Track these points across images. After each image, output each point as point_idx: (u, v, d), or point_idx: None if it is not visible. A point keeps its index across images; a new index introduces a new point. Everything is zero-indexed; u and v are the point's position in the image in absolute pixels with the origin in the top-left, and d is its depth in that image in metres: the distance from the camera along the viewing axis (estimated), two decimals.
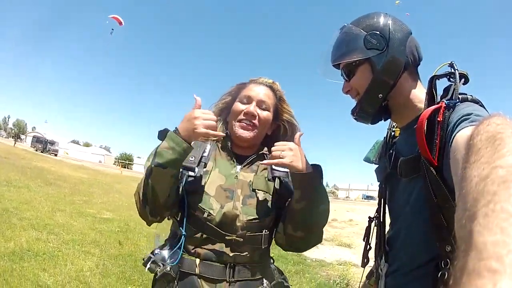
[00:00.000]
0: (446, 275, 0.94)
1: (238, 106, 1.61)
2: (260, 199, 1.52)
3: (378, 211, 1.40)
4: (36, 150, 47.76)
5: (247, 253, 1.46)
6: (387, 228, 1.38)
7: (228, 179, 1.54)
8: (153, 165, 1.35)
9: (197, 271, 1.40)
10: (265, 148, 1.70)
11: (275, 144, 1.44)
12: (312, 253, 8.87)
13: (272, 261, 1.63)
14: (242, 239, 1.44)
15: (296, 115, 1.74)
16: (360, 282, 1.56)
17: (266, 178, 1.58)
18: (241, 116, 1.59)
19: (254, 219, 1.47)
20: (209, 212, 1.44)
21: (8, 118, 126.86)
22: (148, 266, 1.43)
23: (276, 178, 1.57)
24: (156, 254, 1.46)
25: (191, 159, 1.51)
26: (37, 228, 6.39)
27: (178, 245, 1.44)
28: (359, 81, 1.25)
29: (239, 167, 1.60)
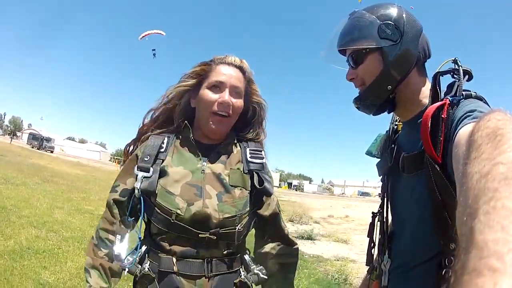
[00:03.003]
0: (449, 273, 0.91)
1: (210, 95, 1.47)
2: (237, 195, 1.44)
3: (381, 206, 1.37)
4: (32, 147, 47.51)
5: (222, 248, 1.42)
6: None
7: (194, 174, 1.44)
8: None
9: (175, 269, 1.35)
10: (233, 135, 1.61)
11: None
12: (309, 249, 8.91)
13: (248, 252, 1.56)
14: (215, 237, 1.37)
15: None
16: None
17: (242, 172, 1.50)
18: (215, 107, 1.46)
19: (230, 216, 1.40)
20: (176, 213, 1.36)
21: (4, 115, 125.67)
22: (126, 270, 1.38)
23: (254, 173, 1.49)
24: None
25: (145, 158, 1.43)
26: (36, 226, 6.36)
27: (136, 249, 1.41)
28: (368, 70, 1.21)
29: (205, 159, 1.49)
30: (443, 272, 0.95)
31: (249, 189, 1.49)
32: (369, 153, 1.53)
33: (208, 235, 1.36)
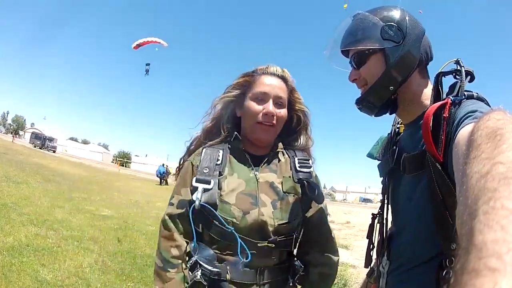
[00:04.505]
0: (450, 274, 0.92)
1: (254, 106, 1.51)
2: (291, 202, 1.48)
3: (381, 207, 1.38)
4: (35, 147, 47.44)
5: (275, 257, 1.45)
6: (390, 225, 1.36)
7: (248, 183, 1.48)
8: None
9: (228, 277, 1.37)
10: (280, 144, 1.63)
11: None
12: None
13: (295, 257, 1.57)
14: (274, 245, 1.41)
15: None
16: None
17: (293, 180, 1.53)
18: (260, 118, 1.50)
19: (285, 223, 1.43)
20: (232, 221, 1.38)
21: (7, 114, 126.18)
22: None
23: (304, 182, 1.51)
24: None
25: (205, 171, 1.44)
26: (36, 224, 6.36)
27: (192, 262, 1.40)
28: (370, 71, 1.23)
29: (256, 169, 1.53)
30: (444, 273, 0.95)
31: (300, 196, 1.52)
32: (370, 155, 1.54)
33: (266, 243, 1.39)
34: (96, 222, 7.94)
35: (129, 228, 8.09)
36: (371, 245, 1.42)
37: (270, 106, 1.50)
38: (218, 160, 1.50)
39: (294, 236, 1.46)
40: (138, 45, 23.05)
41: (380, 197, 1.42)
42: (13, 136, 58.59)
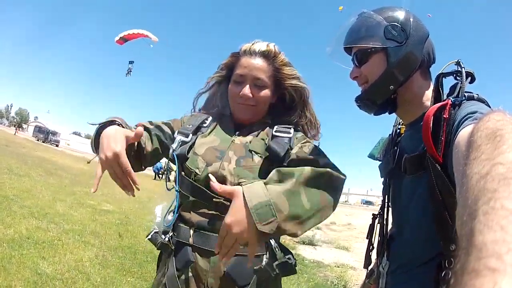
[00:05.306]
0: (449, 275, 0.92)
1: (233, 89, 1.54)
2: (256, 161, 1.42)
3: (382, 208, 1.38)
4: (38, 140, 47.71)
5: None
6: (390, 226, 1.36)
7: (223, 142, 1.49)
8: None
9: (190, 241, 1.34)
10: (269, 120, 1.60)
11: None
12: (310, 254, 8.90)
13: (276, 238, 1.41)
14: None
15: None
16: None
17: (265, 143, 1.46)
18: (238, 99, 1.52)
19: (246, 182, 1.32)
20: (195, 172, 1.39)
21: (11, 107, 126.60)
22: (149, 236, 1.44)
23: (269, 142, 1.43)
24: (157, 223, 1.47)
25: (188, 126, 1.52)
26: (37, 217, 6.37)
27: (173, 206, 1.44)
28: (371, 69, 1.23)
29: (238, 133, 1.54)
30: (443, 274, 0.94)
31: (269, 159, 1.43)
32: (371, 156, 1.54)
33: (222, 200, 1.33)
34: (97, 216, 7.96)
35: (131, 223, 8.11)
36: (371, 246, 1.41)
37: (246, 89, 1.51)
38: (204, 122, 1.58)
39: None
40: (123, 39, 18.99)
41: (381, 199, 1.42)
42: (16, 129, 58.88)
